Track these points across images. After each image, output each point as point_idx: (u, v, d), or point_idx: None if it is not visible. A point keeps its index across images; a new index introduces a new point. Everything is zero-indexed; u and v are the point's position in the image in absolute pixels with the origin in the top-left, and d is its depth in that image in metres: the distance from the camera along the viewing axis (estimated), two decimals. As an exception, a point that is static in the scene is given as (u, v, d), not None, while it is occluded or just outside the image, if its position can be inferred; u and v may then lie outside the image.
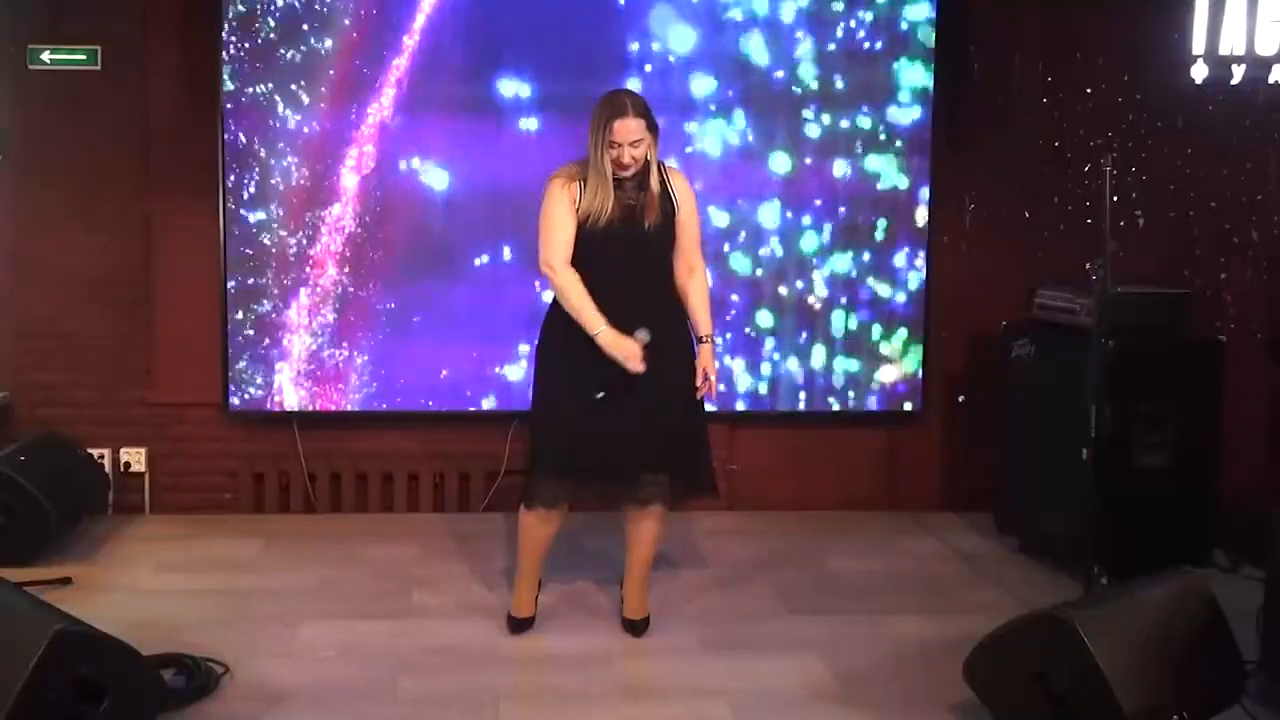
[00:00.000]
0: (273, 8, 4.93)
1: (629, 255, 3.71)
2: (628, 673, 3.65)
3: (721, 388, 4.08)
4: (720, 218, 5.13)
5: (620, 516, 3.98)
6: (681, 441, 3.80)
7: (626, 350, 3.62)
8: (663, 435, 3.74)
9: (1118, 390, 4.05)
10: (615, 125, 3.61)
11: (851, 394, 5.29)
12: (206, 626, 3.92)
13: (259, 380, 5.08)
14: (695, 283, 3.84)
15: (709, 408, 3.99)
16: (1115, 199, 4.16)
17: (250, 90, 4.95)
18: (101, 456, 5.12)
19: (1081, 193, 5.27)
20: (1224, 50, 4.76)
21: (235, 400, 5.09)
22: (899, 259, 5.24)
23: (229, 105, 4.95)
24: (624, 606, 3.99)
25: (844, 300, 5.24)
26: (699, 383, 3.77)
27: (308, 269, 5.05)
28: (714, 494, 3.99)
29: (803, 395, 5.26)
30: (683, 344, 3.81)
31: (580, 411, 3.71)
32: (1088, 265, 4.01)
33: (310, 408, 5.13)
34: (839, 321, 5.24)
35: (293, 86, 4.97)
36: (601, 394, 3.65)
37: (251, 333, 5.05)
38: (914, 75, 5.16)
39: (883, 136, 5.18)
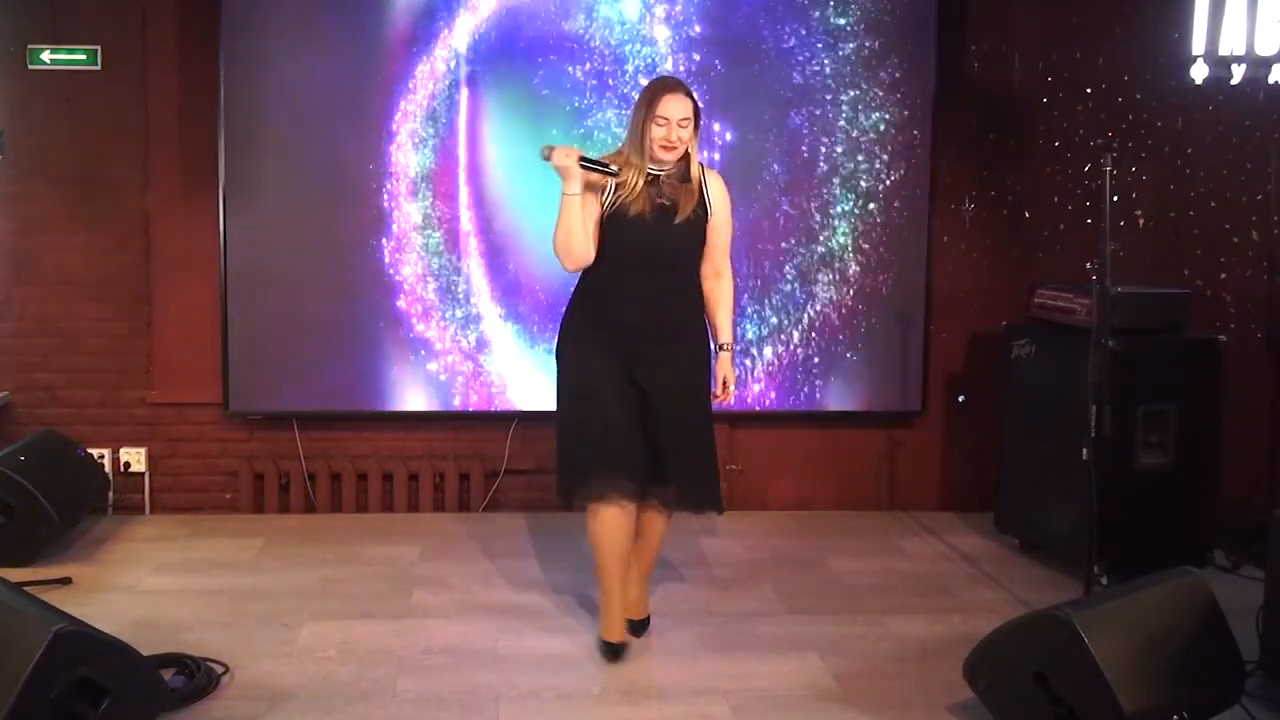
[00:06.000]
0: (272, 7, 4.94)
1: (656, 253, 3.59)
2: (628, 673, 3.65)
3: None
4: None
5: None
6: (689, 457, 3.69)
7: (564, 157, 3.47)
8: (671, 448, 3.66)
9: (1118, 390, 4.05)
10: (664, 99, 3.51)
11: (851, 394, 5.28)
12: (206, 626, 3.92)
13: (258, 380, 5.08)
14: (721, 289, 3.77)
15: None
16: (1115, 199, 4.16)
17: (250, 90, 4.95)
18: (101, 456, 5.12)
19: (1081, 193, 5.28)
20: (1224, 50, 4.78)
21: (235, 400, 5.08)
22: (899, 258, 5.24)
23: (228, 105, 4.94)
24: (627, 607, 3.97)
25: (843, 299, 5.24)
26: (718, 390, 3.74)
27: (308, 269, 5.05)
28: (718, 510, 3.80)
29: (802, 395, 5.26)
30: (699, 355, 3.72)
31: (598, 409, 3.61)
32: (1088, 265, 4.01)
33: (310, 408, 5.14)
34: (839, 321, 5.24)
35: (292, 86, 4.97)
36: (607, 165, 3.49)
37: (251, 332, 5.05)
38: (914, 74, 5.16)
39: (883, 135, 5.18)
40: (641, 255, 3.59)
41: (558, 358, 3.74)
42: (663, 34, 5.06)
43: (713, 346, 3.79)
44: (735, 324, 3.84)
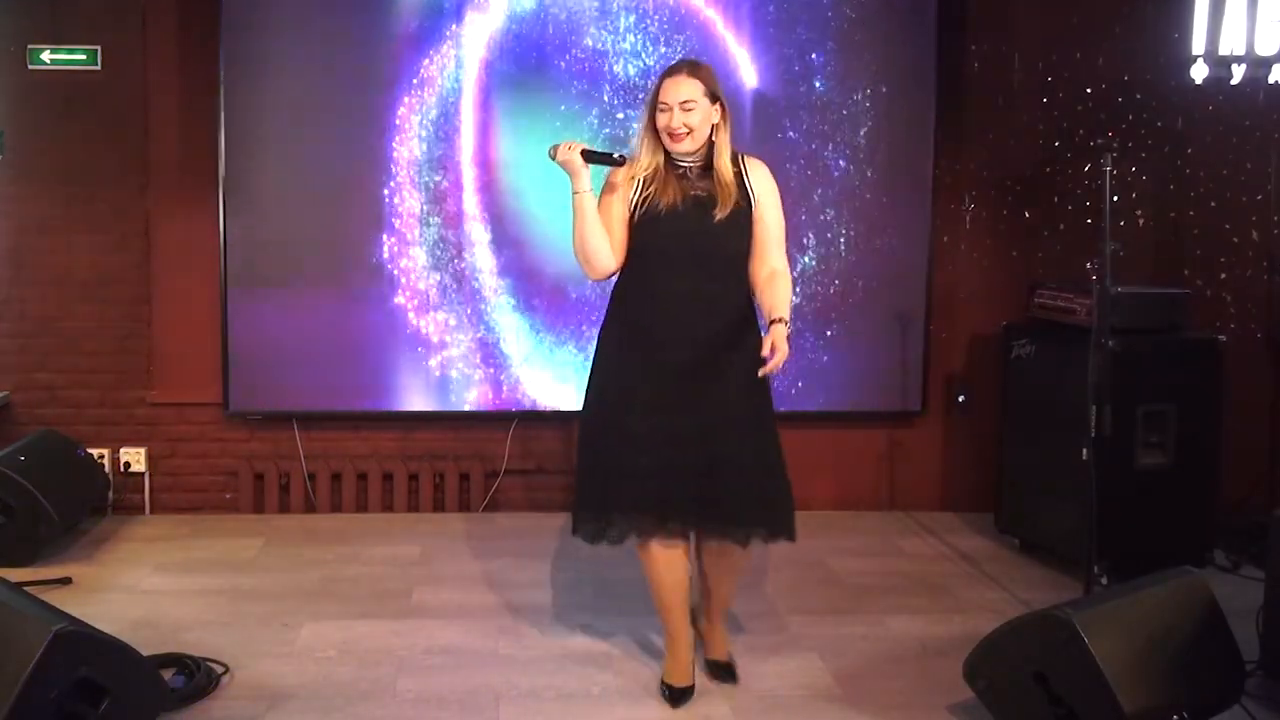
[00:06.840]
0: (272, 7, 4.94)
1: (694, 252, 3.25)
2: (628, 673, 3.65)
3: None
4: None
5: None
6: (748, 476, 3.32)
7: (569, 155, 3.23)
8: (729, 468, 3.28)
9: (1118, 390, 4.04)
10: (664, 84, 3.24)
11: (851, 394, 5.28)
12: (206, 626, 3.92)
13: (259, 380, 5.07)
14: (777, 283, 3.29)
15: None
16: (1115, 199, 4.16)
17: (250, 90, 4.95)
18: (101, 456, 5.12)
19: (1081, 193, 5.28)
20: (1224, 50, 4.79)
21: (235, 400, 5.08)
22: (899, 258, 5.24)
23: (228, 105, 4.94)
24: (705, 646, 3.64)
25: (843, 299, 5.24)
26: (764, 352, 3.12)
27: (308, 268, 5.05)
28: (790, 536, 3.44)
29: (803, 395, 5.26)
30: (755, 365, 3.16)
31: (632, 440, 3.27)
32: (1088, 265, 4.01)
33: (310, 408, 5.13)
34: (839, 321, 5.24)
35: (292, 86, 4.97)
36: (619, 156, 3.28)
37: (251, 332, 5.04)
38: (914, 74, 5.16)
39: (883, 135, 5.18)
40: (679, 255, 3.25)
41: (591, 376, 3.43)
42: (662, 32, 5.06)
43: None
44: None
